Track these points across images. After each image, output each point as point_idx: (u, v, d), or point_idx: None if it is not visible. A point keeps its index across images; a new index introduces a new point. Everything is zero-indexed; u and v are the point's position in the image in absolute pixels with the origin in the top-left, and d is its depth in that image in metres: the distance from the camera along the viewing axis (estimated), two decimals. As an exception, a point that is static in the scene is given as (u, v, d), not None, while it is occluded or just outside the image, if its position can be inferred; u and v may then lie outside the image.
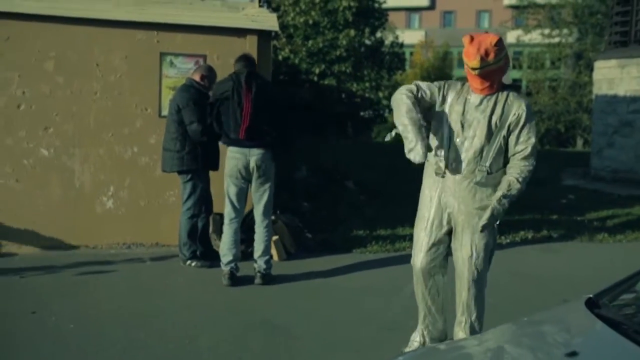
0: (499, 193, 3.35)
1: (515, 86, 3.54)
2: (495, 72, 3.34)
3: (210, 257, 5.50)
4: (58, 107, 5.90)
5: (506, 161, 3.43)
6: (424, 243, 3.55)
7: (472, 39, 3.29)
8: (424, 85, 3.52)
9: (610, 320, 2.06)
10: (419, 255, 3.57)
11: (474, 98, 3.42)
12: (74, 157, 5.96)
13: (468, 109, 3.41)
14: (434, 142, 3.49)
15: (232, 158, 4.92)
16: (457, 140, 3.41)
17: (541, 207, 8.47)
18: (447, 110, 3.47)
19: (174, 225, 5.97)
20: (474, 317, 3.56)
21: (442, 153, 3.45)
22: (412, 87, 3.50)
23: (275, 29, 6.06)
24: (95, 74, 5.93)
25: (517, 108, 3.38)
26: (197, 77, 5.42)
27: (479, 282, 3.50)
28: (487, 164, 3.39)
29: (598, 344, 2.01)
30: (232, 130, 4.90)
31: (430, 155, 3.46)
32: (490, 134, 3.37)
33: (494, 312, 3.81)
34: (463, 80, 3.57)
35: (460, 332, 3.57)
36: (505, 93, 3.42)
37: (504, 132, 3.38)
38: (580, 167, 13.66)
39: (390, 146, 20.63)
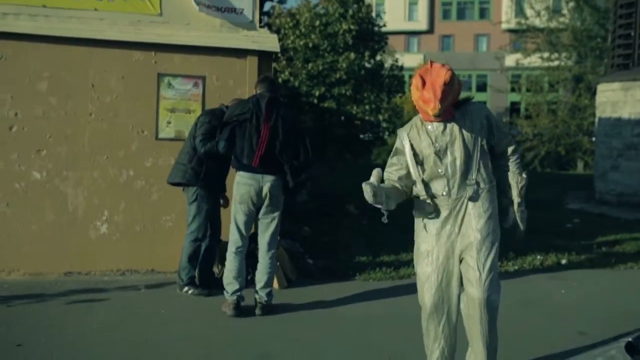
0: (515, 201, 3.48)
1: (465, 99, 3.44)
2: (451, 103, 3.26)
3: (208, 285, 5.28)
4: (51, 129, 5.71)
5: (491, 166, 3.43)
6: (432, 279, 3.33)
7: (423, 82, 3.18)
8: (388, 172, 3.40)
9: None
10: (429, 292, 3.34)
11: (435, 127, 3.32)
12: (67, 181, 5.76)
13: (435, 138, 3.30)
14: (417, 182, 3.36)
15: (244, 184, 4.68)
16: (439, 171, 3.28)
17: (547, 232, 8.27)
18: (417, 153, 3.33)
19: (170, 251, 5.77)
20: (489, 346, 3.33)
21: (431, 189, 3.32)
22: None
23: (276, 50, 5.91)
24: (91, 95, 5.76)
25: (479, 113, 3.36)
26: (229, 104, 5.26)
27: (492, 305, 3.28)
28: (474, 177, 3.29)
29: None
30: (245, 156, 4.68)
31: (418, 193, 3.35)
32: (467, 150, 3.29)
33: (507, 344, 3.59)
34: (407, 125, 3.47)
35: (476, 365, 3.34)
36: (462, 108, 3.35)
37: (479, 142, 3.32)
38: (583, 190, 13.50)
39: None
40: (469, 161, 3.28)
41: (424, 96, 3.19)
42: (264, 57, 5.92)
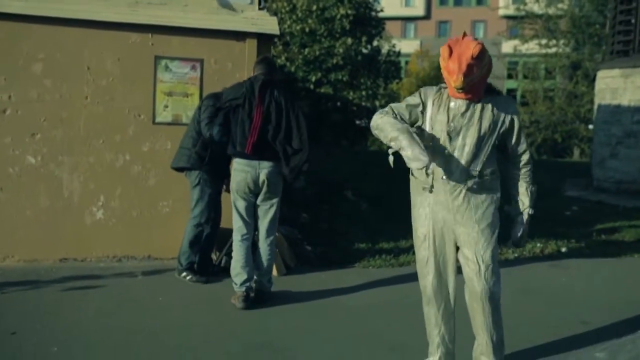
0: (525, 212, 3.36)
1: (495, 89, 3.32)
2: (479, 82, 3.13)
3: (206, 272, 5.20)
4: (46, 112, 5.59)
5: (497, 161, 3.31)
6: (430, 262, 3.30)
7: (450, 51, 3.04)
8: (400, 107, 3.29)
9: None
10: (429, 276, 3.32)
11: (458, 104, 3.17)
12: (62, 165, 5.65)
13: (453, 117, 3.17)
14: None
15: (241, 171, 4.56)
16: (445, 152, 3.17)
17: (545, 219, 8.22)
18: (428, 121, 3.24)
19: (167, 237, 5.69)
20: (495, 338, 3.30)
21: (430, 166, 3.21)
22: (387, 109, 3.29)
23: (276, 32, 5.78)
24: (86, 78, 5.63)
25: (507, 111, 3.22)
26: None
27: (494, 297, 3.24)
28: (478, 169, 3.18)
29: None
30: (238, 142, 4.56)
31: (416, 171, 3.27)
32: (480, 141, 3.16)
33: (510, 332, 3.53)
34: (436, 86, 3.34)
35: (483, 357, 3.29)
36: (491, 97, 3.22)
37: (494, 136, 3.20)
38: (581, 177, 13.46)
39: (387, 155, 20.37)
40: (477, 151, 3.18)
41: (449, 66, 3.06)
42: (263, 39, 5.80)
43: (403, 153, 3.05)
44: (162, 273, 5.42)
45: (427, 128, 3.25)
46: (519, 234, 3.38)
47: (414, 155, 2.99)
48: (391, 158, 3.21)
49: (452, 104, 3.20)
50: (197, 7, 5.81)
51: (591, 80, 14.64)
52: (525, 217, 3.36)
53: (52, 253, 5.61)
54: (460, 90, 3.10)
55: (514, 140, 3.28)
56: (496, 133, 3.20)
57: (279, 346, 3.90)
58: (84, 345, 3.83)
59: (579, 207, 9.98)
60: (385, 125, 3.18)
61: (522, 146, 3.31)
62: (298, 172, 4.57)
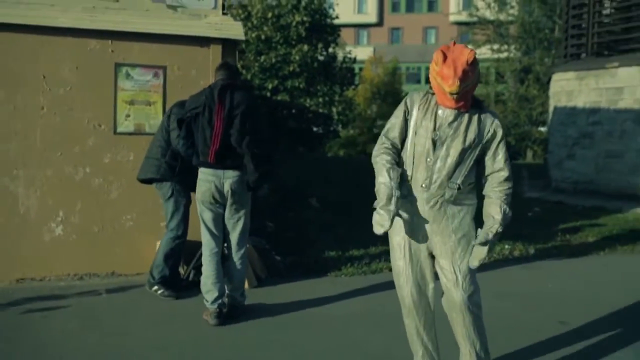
0: (495, 227, 3.08)
1: (481, 101, 3.29)
2: (470, 90, 3.08)
3: (176, 287, 5.00)
4: (-1, 124, 5.28)
5: (476, 174, 3.21)
6: (408, 272, 3.23)
7: (445, 57, 3.00)
8: (392, 131, 3.25)
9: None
10: (406, 287, 3.24)
11: (447, 113, 3.12)
12: (17, 180, 5.34)
13: (439, 126, 3.11)
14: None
15: (205, 181, 4.37)
16: (428, 160, 3.12)
17: (510, 221, 8.29)
18: (412, 126, 3.18)
19: (131, 252, 5.46)
20: (478, 347, 3.25)
21: (409, 173, 3.18)
22: (382, 140, 3.25)
23: (241, 37, 5.63)
24: (42, 87, 5.35)
25: (491, 124, 3.16)
26: None
27: (473, 306, 3.17)
28: (458, 181, 3.12)
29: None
30: (201, 151, 4.38)
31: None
32: (464, 153, 3.11)
33: (492, 337, 3.47)
34: (423, 91, 3.28)
35: (468, 366, 3.23)
36: (477, 109, 3.16)
37: (478, 149, 3.14)
38: (538, 179, 13.71)
39: (347, 160, 20.43)
40: (459, 163, 3.12)
41: (442, 72, 2.99)
42: (228, 45, 5.63)
43: (374, 212, 3.07)
44: (128, 290, 5.17)
45: (411, 133, 3.18)
46: (482, 245, 3.11)
47: (376, 221, 3.04)
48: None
49: (439, 112, 3.14)
50: (158, 12, 5.61)
51: (544, 83, 14.99)
52: (492, 232, 3.06)
53: (7, 274, 5.29)
54: (454, 96, 3.01)
55: (493, 154, 3.18)
56: (480, 146, 3.15)
57: (259, 362, 3.74)
58: (50, 371, 3.58)
59: (540, 207, 10.12)
60: (377, 166, 3.19)
61: (501, 162, 3.17)
62: (264, 178, 4.41)
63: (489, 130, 3.15)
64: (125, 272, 5.51)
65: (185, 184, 4.90)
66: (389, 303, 4.05)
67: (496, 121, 3.19)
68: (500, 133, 3.17)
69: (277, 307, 4.79)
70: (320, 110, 20.31)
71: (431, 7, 42.14)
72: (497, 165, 3.17)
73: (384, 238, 3.28)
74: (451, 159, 3.10)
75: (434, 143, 3.11)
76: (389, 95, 31.61)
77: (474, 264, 3.11)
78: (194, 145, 4.50)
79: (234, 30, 5.63)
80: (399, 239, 3.23)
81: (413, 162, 3.15)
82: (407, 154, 3.20)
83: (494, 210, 3.11)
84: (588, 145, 11.12)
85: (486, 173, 3.21)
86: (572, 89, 11.35)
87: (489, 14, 23.29)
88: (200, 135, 4.37)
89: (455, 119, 3.11)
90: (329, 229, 7.67)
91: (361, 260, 6.18)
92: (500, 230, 3.09)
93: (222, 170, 4.34)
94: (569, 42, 12.06)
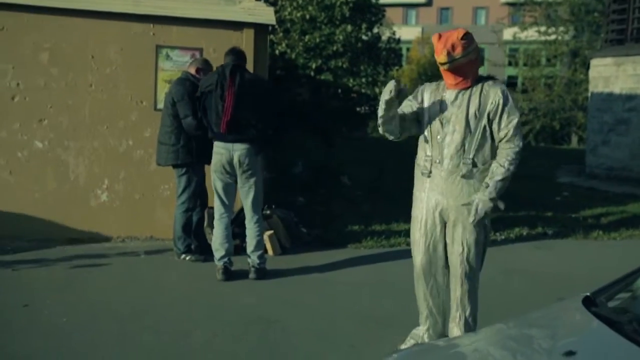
0: (484, 183, 3.37)
1: (491, 77, 3.55)
2: (466, 66, 3.37)
3: (204, 251, 5.48)
4: (52, 99, 5.86)
5: (494, 151, 3.42)
6: (420, 243, 3.57)
7: (439, 36, 3.35)
8: (406, 107, 3.55)
9: (607, 318, 2.04)
10: (418, 256, 3.58)
11: (449, 94, 3.45)
12: (68, 150, 5.92)
13: (445, 106, 3.44)
14: (420, 142, 3.56)
15: (217, 153, 4.90)
16: (438, 137, 3.44)
17: (535, 204, 8.47)
18: (425, 111, 3.52)
19: (168, 218, 5.95)
20: (467, 313, 3.56)
21: (427, 152, 3.48)
22: None
23: (272, 22, 6.02)
24: (91, 66, 5.89)
25: (494, 96, 3.39)
26: (192, 70, 5.38)
27: (472, 277, 3.50)
28: (471, 156, 3.39)
29: (596, 342, 1.99)
30: (214, 123, 4.88)
31: (418, 157, 3.55)
32: (469, 127, 3.39)
33: (489, 310, 3.78)
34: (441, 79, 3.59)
35: (455, 328, 3.56)
36: (480, 84, 3.44)
37: (483, 122, 3.38)
38: (575, 164, 13.67)
39: (385, 142, 20.57)
40: (467, 138, 3.38)
41: (436, 47, 3.33)
42: (260, 29, 6.04)
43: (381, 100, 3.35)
44: (164, 253, 5.70)
45: (426, 118, 3.52)
46: (471, 214, 3.39)
47: (384, 90, 3.29)
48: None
49: (444, 94, 3.48)
50: (196, -2, 6.05)
51: (587, 68, 14.80)
52: (478, 194, 3.33)
53: (59, 234, 5.89)
54: (445, 66, 3.32)
55: (499, 121, 3.36)
56: (485, 116, 3.38)
57: (273, 319, 4.18)
58: (91, 317, 4.12)
59: (570, 192, 10.19)
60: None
61: (510, 129, 3.34)
62: (269, 141, 4.94)
63: (492, 101, 3.39)
64: (162, 237, 6.03)
65: (197, 160, 5.36)
66: (402, 273, 4.37)
67: (499, 92, 3.39)
68: (502, 102, 3.37)
69: (295, 272, 5.22)
70: (364, 91, 20.45)
71: (482, -13, 41.32)
72: (502, 132, 3.37)
73: (406, 215, 3.58)
74: (458, 134, 3.40)
75: (442, 122, 3.44)
76: (436, 77, 31.33)
77: (470, 219, 3.39)
78: (202, 126, 5.00)
79: (266, 15, 6.02)
80: (417, 212, 3.57)
81: (430, 144, 3.47)
82: (424, 138, 3.53)
83: (489, 175, 3.35)
84: (623, 131, 11.07)
85: (496, 141, 3.40)
86: (609, 74, 11.28)
87: (539, -5, 22.79)
88: (214, 109, 4.86)
89: (456, 98, 3.43)
90: (356, 205, 8.03)
91: (382, 235, 6.53)
92: (485, 206, 3.36)
93: (231, 144, 4.84)
94: (610, 27, 11.94)
